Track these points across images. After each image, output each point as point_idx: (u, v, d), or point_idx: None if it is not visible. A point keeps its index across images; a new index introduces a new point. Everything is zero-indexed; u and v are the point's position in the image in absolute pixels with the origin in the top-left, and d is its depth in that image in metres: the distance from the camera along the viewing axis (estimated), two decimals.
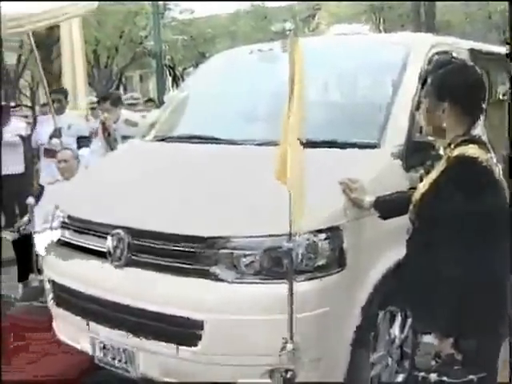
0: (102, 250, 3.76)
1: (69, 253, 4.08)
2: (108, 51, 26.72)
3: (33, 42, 8.49)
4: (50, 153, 7.76)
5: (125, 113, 7.63)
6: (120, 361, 3.76)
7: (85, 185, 4.54)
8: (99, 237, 3.82)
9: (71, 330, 4.12)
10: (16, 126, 9.26)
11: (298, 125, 3.14)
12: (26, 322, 5.27)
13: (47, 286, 4.31)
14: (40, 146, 8.55)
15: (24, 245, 6.03)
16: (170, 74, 25.79)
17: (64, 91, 9.26)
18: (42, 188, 7.56)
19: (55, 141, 7.81)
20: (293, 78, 3.18)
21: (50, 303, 4.31)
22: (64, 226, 4.18)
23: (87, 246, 3.92)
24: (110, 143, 7.18)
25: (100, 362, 3.90)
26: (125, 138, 6.89)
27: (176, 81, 28.16)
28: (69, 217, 4.15)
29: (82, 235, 3.99)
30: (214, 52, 20.09)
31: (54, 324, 4.36)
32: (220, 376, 3.44)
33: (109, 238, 3.72)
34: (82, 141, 8.21)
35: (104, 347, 3.83)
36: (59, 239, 4.20)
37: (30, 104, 25.01)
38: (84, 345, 3.99)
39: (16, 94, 24.53)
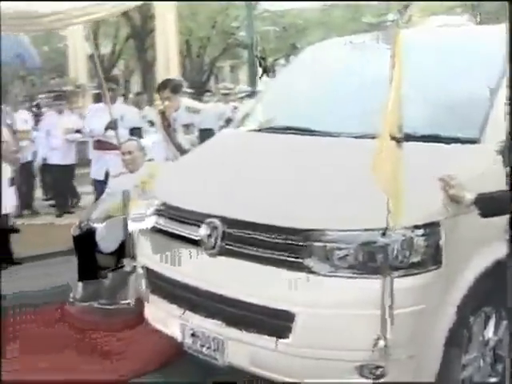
0: (196, 238, 3.79)
1: (163, 240, 4.13)
2: (200, 41, 27.01)
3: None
4: (104, 145, 7.66)
5: (185, 100, 7.31)
6: (209, 348, 3.79)
7: (180, 173, 4.59)
8: (193, 225, 3.85)
9: (162, 316, 4.18)
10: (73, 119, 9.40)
11: (397, 119, 3.08)
12: (85, 323, 5.39)
13: (141, 272, 4.39)
14: (90, 138, 8.35)
15: (85, 242, 5.80)
16: (260, 65, 25.83)
17: (116, 79, 9.04)
18: (96, 182, 7.60)
19: (110, 133, 7.59)
20: (393, 70, 3.11)
21: (143, 289, 4.38)
22: (159, 213, 4.23)
23: (181, 233, 3.96)
24: (170, 133, 6.88)
25: (188, 348, 3.94)
26: (186, 127, 6.79)
27: (267, 72, 28.20)
28: (164, 204, 4.20)
29: (177, 223, 4.03)
30: (306, 43, 20.06)
31: (146, 309, 4.44)
32: (308, 369, 3.42)
33: (203, 226, 3.75)
34: (135, 132, 7.99)
35: (193, 334, 3.87)
36: (154, 226, 4.25)
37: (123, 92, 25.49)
38: (173, 331, 4.04)
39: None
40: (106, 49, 26.89)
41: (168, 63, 13.13)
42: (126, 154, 6.22)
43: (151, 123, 7.96)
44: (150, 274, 4.25)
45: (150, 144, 7.27)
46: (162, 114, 6.95)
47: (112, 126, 7.44)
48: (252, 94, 9.94)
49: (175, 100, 6.96)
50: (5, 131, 8.24)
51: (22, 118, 9.71)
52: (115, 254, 5.56)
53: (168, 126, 6.86)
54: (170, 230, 4.07)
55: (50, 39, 25.27)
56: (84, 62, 15.49)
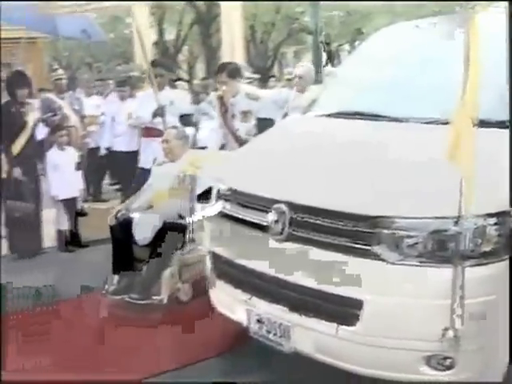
0: (263, 223, 3.78)
1: (230, 225, 4.14)
2: (264, 27, 26.94)
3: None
4: (152, 132, 7.36)
5: (245, 86, 6.88)
6: (275, 334, 3.79)
7: (246, 158, 4.59)
8: (260, 210, 3.84)
9: (227, 301, 4.20)
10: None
11: (472, 104, 3.01)
12: (116, 317, 5.36)
13: (207, 256, 4.42)
14: (139, 125, 8.03)
15: (121, 232, 5.60)
16: (324, 51, 25.66)
17: (165, 64, 8.33)
18: (142, 170, 7.31)
19: (158, 119, 7.32)
20: (468, 55, 3.04)
21: (209, 273, 4.42)
22: (225, 198, 4.24)
23: (248, 219, 3.95)
24: (227, 120, 6.60)
25: (254, 334, 3.95)
26: (243, 114, 6.51)
27: (331, 57, 27.98)
28: (230, 189, 4.21)
29: (243, 208, 4.03)
30: (370, 28, 19.75)
31: (211, 294, 4.46)
32: (375, 359, 3.40)
33: (270, 212, 3.73)
34: (185, 119, 7.65)
35: (259, 320, 3.87)
36: (220, 211, 4.26)
37: (187, 78, 25.69)
38: (239, 316, 4.05)
39: (175, 68, 25.25)
40: (170, 35, 27.07)
41: (233, 48, 13.13)
42: (164, 143, 6.11)
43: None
44: (216, 258, 4.27)
45: (207, 131, 7.15)
46: (221, 99, 6.70)
47: (159, 112, 7.24)
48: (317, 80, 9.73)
49: (232, 85, 6.63)
50: (73, 116, 8.41)
51: (94, 104, 9.81)
52: (150, 246, 5.44)
53: (225, 112, 6.60)
54: (236, 215, 4.07)
55: (116, 26, 25.59)
56: (149, 48, 15.62)
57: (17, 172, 7.22)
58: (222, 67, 6.82)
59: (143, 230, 5.44)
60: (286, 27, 27.81)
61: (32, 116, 7.47)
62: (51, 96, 8.65)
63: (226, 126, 6.56)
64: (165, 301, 5.37)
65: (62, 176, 7.56)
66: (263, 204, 3.83)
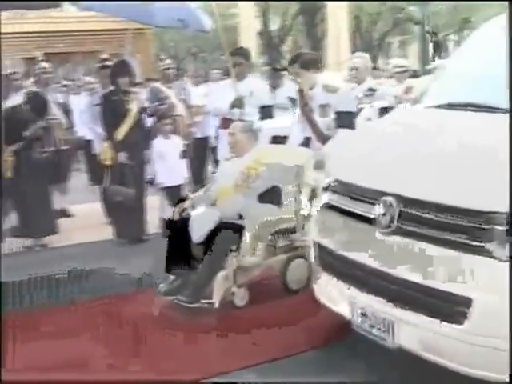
0: (369, 216, 3.72)
1: (335, 216, 4.09)
2: (370, 17, 26.64)
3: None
4: (230, 123, 6.81)
5: (323, 78, 6.29)
6: (379, 329, 3.73)
7: (353, 149, 4.51)
8: (367, 202, 3.78)
9: (331, 293, 4.16)
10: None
11: None
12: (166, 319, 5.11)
13: (312, 247, 4.38)
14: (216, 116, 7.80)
15: (179, 229, 5.35)
16: (431, 41, 25.05)
17: (245, 53, 7.66)
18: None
19: (236, 110, 6.99)
20: None
21: (313, 265, 4.38)
22: (331, 189, 4.19)
23: (354, 211, 3.90)
24: (307, 113, 6.10)
25: (357, 327, 3.90)
26: (322, 107, 6.04)
27: (438, 47, 27.35)
28: (337, 181, 4.16)
29: (350, 200, 3.97)
30: (479, 18, 19.11)
31: (315, 285, 4.43)
32: (485, 360, 3.27)
33: (378, 204, 3.67)
34: (266, 110, 7.02)
35: (363, 314, 3.82)
36: (327, 203, 4.21)
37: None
38: (342, 308, 4.01)
39: (279, 58, 25.32)
40: (274, 25, 27.14)
41: (338, 38, 13.05)
42: (230, 136, 5.81)
43: (292, 100, 6.91)
44: (322, 250, 4.22)
45: (289, 124, 6.58)
46: (300, 92, 6.17)
47: (237, 103, 6.94)
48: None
49: (305, 76, 6.05)
50: (180, 105, 8.51)
51: (201, 93, 9.88)
52: (204, 244, 5.20)
53: (305, 106, 6.14)
54: (343, 207, 4.02)
55: (221, 17, 25.79)
56: (254, 38, 15.76)
57: (122, 156, 7.38)
58: (295, 57, 6.27)
59: (199, 227, 5.24)
60: (392, 17, 27.41)
61: (135, 104, 7.60)
62: (159, 85, 8.75)
63: (306, 120, 6.13)
64: (216, 305, 5.06)
65: (167, 164, 7.67)
66: (371, 196, 3.76)
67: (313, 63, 6.14)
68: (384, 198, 3.64)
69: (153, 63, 15.75)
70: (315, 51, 24.11)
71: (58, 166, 8.26)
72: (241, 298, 5.25)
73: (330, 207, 4.17)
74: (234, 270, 5.19)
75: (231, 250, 5.17)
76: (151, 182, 7.83)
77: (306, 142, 6.30)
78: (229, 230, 5.17)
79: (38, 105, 7.82)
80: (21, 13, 14.46)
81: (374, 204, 3.70)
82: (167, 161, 7.70)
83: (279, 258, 5.52)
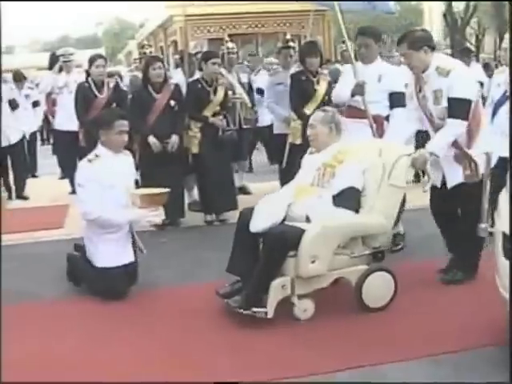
0: None
1: None
2: None
3: None
4: (353, 112, 6.35)
5: (436, 58, 5.22)
6: None
7: None
8: None
9: None
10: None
11: None
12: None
13: (498, 237, 4.00)
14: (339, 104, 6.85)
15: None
16: None
17: (374, 32, 6.54)
18: None
19: (357, 98, 6.29)
20: None
21: (498, 255, 4.03)
22: None
23: None
24: (420, 100, 5.27)
25: None
26: (435, 92, 5.15)
27: None
28: None
29: None
30: None
31: (496, 277, 4.11)
32: None
33: None
34: (395, 97, 6.19)
35: None
36: None
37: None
38: None
39: (462, 41, 23.73)
40: (460, 6, 25.42)
41: None
42: (309, 128, 5.30)
43: None
44: (506, 239, 3.88)
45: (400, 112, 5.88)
46: (416, 76, 5.32)
47: (358, 90, 6.26)
48: None
49: (414, 58, 5.14)
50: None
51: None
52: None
53: (419, 92, 5.29)
54: None
55: None
56: (439, 20, 14.71)
57: None
58: (403, 37, 5.33)
59: (258, 223, 4.79)
60: None
61: (323, 85, 7.46)
62: (339, 67, 8.69)
63: (420, 107, 5.27)
64: (269, 315, 4.55)
65: None
66: None
67: (422, 42, 5.16)
68: None
69: (333, 45, 15.45)
70: (503, 34, 22.16)
71: (239, 144, 8.63)
72: (302, 310, 4.69)
73: None
74: (292, 278, 4.63)
75: (289, 256, 4.62)
76: None
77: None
78: (288, 233, 4.63)
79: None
80: None
81: None
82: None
83: (355, 268, 4.84)
